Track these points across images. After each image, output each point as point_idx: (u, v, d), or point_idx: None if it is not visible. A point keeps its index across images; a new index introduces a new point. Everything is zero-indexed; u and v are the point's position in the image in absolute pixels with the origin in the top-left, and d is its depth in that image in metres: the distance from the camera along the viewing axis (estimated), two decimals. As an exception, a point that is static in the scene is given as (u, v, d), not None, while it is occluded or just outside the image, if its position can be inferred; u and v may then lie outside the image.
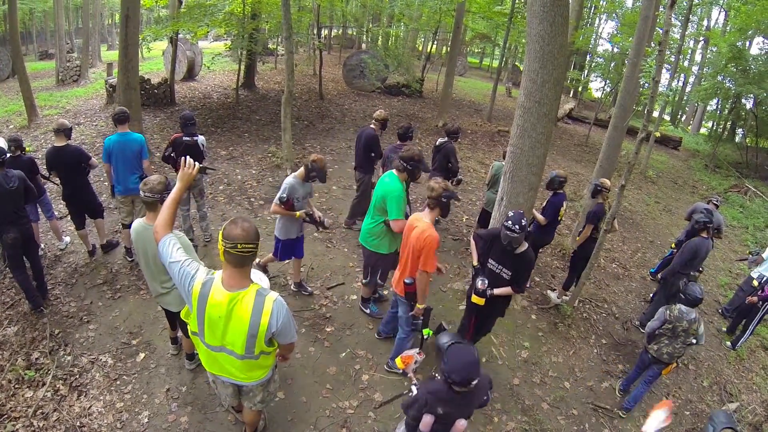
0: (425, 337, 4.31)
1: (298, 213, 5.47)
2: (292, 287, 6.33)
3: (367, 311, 6.10)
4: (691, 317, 4.94)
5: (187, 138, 6.51)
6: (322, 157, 5.40)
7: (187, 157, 3.16)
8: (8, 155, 6.20)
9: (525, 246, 4.53)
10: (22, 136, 6.46)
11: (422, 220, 4.37)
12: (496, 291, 4.65)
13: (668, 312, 5.03)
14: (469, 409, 3.26)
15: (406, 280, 4.37)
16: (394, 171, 5.17)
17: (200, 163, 6.34)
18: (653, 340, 5.20)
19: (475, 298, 4.69)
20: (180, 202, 3.14)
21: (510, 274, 4.60)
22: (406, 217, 4.89)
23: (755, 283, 7.54)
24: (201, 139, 6.72)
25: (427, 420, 3.13)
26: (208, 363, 3.22)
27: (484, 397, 3.30)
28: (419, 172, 5.13)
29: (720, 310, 8.33)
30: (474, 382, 2.95)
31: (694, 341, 5.06)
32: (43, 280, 5.87)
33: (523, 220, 4.31)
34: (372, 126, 7.43)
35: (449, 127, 7.89)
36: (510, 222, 4.31)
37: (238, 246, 2.69)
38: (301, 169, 5.44)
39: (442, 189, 4.25)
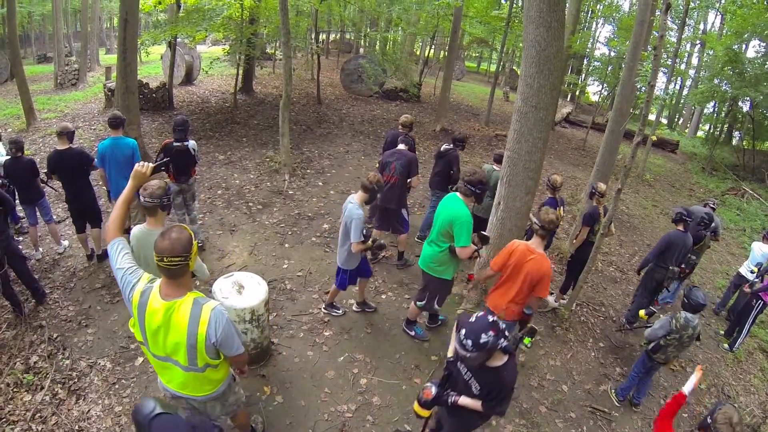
0: (529, 345, 5.35)
1: (369, 242, 5.23)
2: (354, 307, 6.21)
3: (412, 333, 5.87)
4: (695, 323, 4.90)
5: (178, 144, 6.51)
6: (378, 174, 5.22)
7: (141, 161, 3.17)
8: (8, 157, 6.27)
9: (503, 360, 3.21)
10: (22, 139, 6.46)
11: (536, 251, 4.42)
12: (461, 401, 3.38)
13: (674, 322, 4.94)
14: None
15: (527, 311, 4.43)
16: (458, 194, 4.94)
17: (193, 168, 6.39)
18: (659, 350, 5.12)
19: (416, 407, 3.53)
20: (131, 201, 3.08)
21: (479, 389, 3.30)
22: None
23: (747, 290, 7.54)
24: (192, 144, 6.71)
25: None
26: (159, 373, 3.13)
27: None
28: (484, 195, 5.00)
29: (714, 308, 8.42)
30: None
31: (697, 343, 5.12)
32: (35, 286, 5.77)
33: (484, 335, 2.91)
34: (401, 130, 7.37)
35: (457, 134, 7.89)
36: (463, 335, 2.96)
37: (164, 259, 2.65)
38: (360, 193, 5.15)
39: (556, 223, 4.44)
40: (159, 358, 2.95)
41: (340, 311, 6.07)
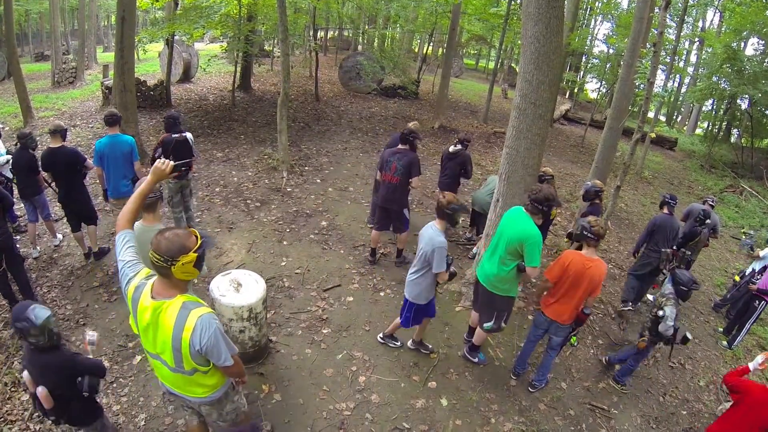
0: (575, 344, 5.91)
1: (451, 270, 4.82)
2: (409, 344, 5.63)
3: (476, 360, 5.59)
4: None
5: (176, 135, 6.46)
6: (454, 195, 4.80)
7: (162, 157, 3.19)
8: (9, 156, 6.28)
9: None
10: (28, 133, 6.44)
11: (593, 258, 4.60)
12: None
13: (676, 302, 5.29)
14: None
15: (586, 311, 4.85)
16: (525, 210, 4.77)
17: (190, 159, 6.35)
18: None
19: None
20: (147, 195, 3.06)
21: None
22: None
23: (737, 278, 7.96)
24: (189, 135, 6.69)
25: None
26: (155, 369, 3.10)
27: None
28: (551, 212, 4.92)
29: (713, 305, 8.43)
30: None
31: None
32: (30, 291, 5.69)
33: None
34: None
35: (463, 135, 7.91)
36: None
37: (151, 252, 2.62)
38: (438, 220, 4.74)
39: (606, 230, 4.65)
40: (151, 355, 2.94)
41: (398, 343, 5.61)
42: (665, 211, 7.03)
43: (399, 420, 4.68)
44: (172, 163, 3.04)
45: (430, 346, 5.65)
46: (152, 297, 2.71)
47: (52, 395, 3.30)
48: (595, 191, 6.82)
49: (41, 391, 3.27)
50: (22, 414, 4.33)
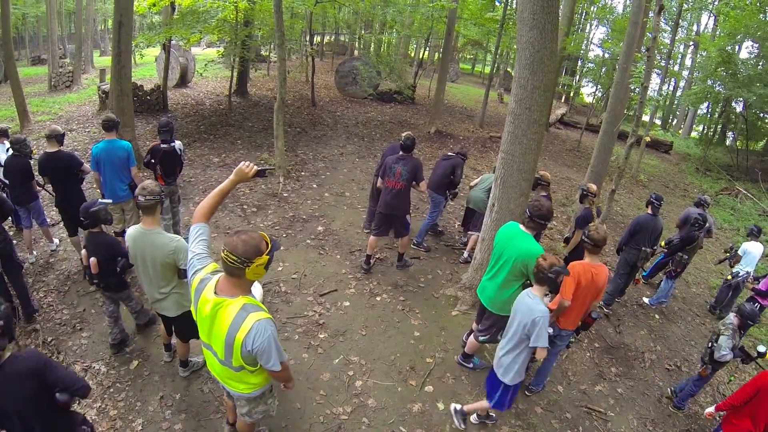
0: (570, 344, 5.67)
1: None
2: (473, 418, 4.93)
3: (470, 366, 5.56)
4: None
5: (164, 145, 6.64)
6: (554, 257, 4.02)
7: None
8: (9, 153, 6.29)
9: None
10: (23, 139, 6.44)
11: (595, 264, 4.69)
12: None
13: (735, 335, 5.30)
14: None
15: (594, 315, 4.94)
16: (522, 227, 4.76)
17: (178, 168, 6.54)
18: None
19: None
20: (227, 193, 3.22)
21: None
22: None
23: (729, 277, 8.04)
24: (178, 144, 6.86)
25: None
26: (206, 358, 3.28)
27: None
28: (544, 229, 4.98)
29: (708, 307, 8.51)
30: None
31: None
32: (28, 299, 5.64)
33: None
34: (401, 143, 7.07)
35: (460, 148, 8.13)
36: None
37: (225, 251, 2.72)
38: (536, 286, 4.09)
39: (603, 237, 4.60)
40: (203, 344, 3.12)
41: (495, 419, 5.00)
42: (649, 211, 7.15)
43: (396, 424, 4.68)
44: (255, 167, 3.15)
45: (494, 416, 4.98)
46: (215, 292, 2.84)
47: (99, 266, 4.65)
48: (583, 193, 6.91)
49: (93, 260, 4.64)
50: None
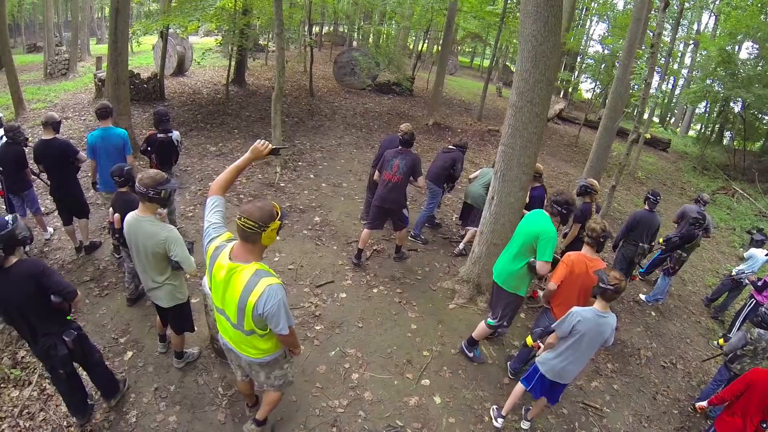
0: None
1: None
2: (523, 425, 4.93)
3: (471, 355, 5.55)
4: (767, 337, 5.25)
5: (162, 135, 6.72)
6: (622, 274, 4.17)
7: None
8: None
9: None
10: (17, 126, 6.34)
11: (593, 258, 4.64)
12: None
13: (748, 335, 5.31)
14: None
15: None
16: (545, 212, 4.93)
17: (174, 158, 6.61)
18: (736, 360, 5.44)
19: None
20: (242, 169, 3.38)
21: None
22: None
23: (733, 273, 8.09)
24: (175, 135, 6.90)
25: None
26: (218, 322, 3.41)
27: None
28: (569, 217, 4.97)
29: (704, 301, 8.58)
30: None
31: None
32: None
33: None
34: (400, 136, 6.86)
35: (459, 140, 8.08)
36: None
37: (242, 218, 2.90)
38: (599, 302, 4.11)
39: (602, 230, 4.57)
40: (217, 309, 3.27)
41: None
42: (646, 207, 7.22)
43: (392, 417, 4.66)
44: (270, 145, 3.33)
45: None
46: (230, 258, 3.00)
47: (121, 222, 4.60)
48: (583, 188, 6.82)
49: (116, 216, 4.94)
50: (12, 411, 4.26)
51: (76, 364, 4.02)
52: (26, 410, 4.30)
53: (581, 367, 4.30)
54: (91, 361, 4.13)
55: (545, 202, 5.04)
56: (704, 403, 5.03)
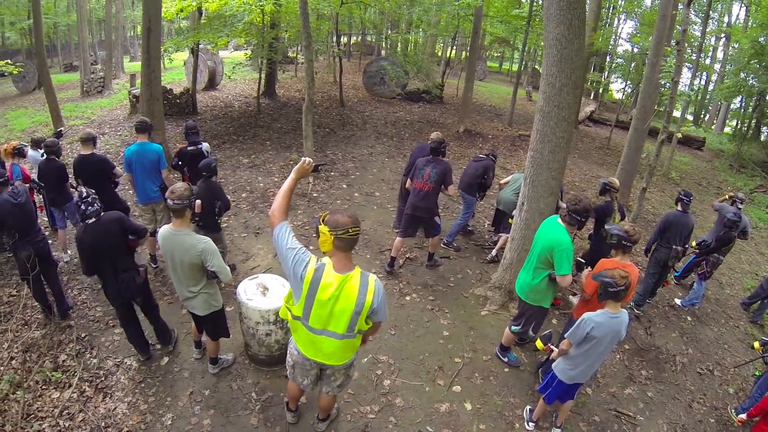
0: None
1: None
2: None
3: (505, 360, 5.62)
4: None
5: (192, 147, 6.89)
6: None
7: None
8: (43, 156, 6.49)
9: None
10: (59, 142, 6.62)
11: (627, 264, 4.66)
12: None
13: None
14: None
15: None
16: (559, 220, 4.80)
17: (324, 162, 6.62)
18: None
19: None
20: (293, 190, 3.40)
21: None
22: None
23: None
24: (205, 146, 7.05)
25: None
26: (305, 347, 3.48)
27: None
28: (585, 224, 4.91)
29: (742, 305, 8.30)
30: None
31: None
32: (63, 297, 5.80)
33: None
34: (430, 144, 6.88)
35: (489, 150, 8.05)
36: None
37: (350, 230, 3.09)
38: (611, 305, 4.01)
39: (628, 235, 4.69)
40: (315, 332, 3.34)
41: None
42: (679, 208, 6.90)
43: (423, 423, 4.68)
44: (313, 162, 3.43)
45: None
46: (336, 272, 3.17)
47: (201, 207, 5.68)
48: (604, 187, 6.73)
49: (198, 202, 5.52)
50: (53, 411, 4.44)
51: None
52: (66, 411, 4.47)
53: (599, 366, 4.39)
54: (151, 305, 5.14)
55: (563, 210, 4.94)
56: (744, 416, 4.87)
